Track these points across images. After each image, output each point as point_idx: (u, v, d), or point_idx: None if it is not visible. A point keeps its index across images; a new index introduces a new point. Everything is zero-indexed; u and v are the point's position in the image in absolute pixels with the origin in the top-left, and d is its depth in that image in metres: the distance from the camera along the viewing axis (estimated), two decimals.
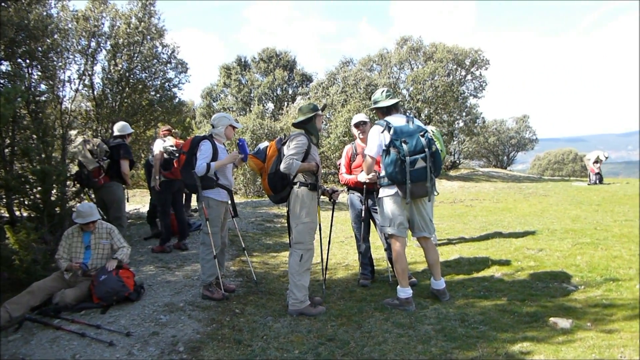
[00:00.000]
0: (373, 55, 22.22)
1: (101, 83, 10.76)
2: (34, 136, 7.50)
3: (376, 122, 4.68)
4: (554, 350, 3.47)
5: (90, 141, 6.83)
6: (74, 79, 10.04)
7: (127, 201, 7.35)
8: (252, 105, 24.53)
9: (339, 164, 5.85)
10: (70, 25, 9.87)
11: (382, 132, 4.51)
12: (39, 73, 8.80)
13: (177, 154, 6.81)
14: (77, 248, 5.14)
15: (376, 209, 5.41)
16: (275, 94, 28.72)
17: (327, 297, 5.15)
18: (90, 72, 10.58)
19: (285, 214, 5.04)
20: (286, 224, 5.07)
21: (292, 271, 4.62)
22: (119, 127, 6.95)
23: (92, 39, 10.25)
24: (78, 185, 7.03)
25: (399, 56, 21.07)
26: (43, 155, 7.09)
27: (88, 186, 6.83)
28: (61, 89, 9.98)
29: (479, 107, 22.82)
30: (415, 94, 20.12)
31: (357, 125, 5.55)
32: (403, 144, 4.35)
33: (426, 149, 4.36)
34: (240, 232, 8.35)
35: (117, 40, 10.51)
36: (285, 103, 27.92)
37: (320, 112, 4.79)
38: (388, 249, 5.42)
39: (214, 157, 4.98)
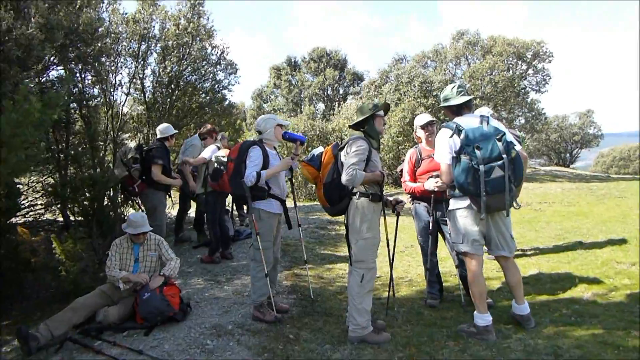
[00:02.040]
0: (427, 51, 21.39)
1: (151, 86, 10.65)
2: (86, 141, 7.39)
3: (444, 125, 4.08)
4: None
5: (124, 148, 6.59)
6: (125, 82, 9.98)
7: (169, 208, 7.03)
8: (302, 106, 24.24)
9: (401, 171, 5.26)
10: (120, 29, 9.77)
11: (451, 136, 3.91)
12: (91, 77, 8.73)
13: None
14: (127, 260, 4.84)
15: (445, 220, 4.80)
16: (326, 94, 28.33)
17: (390, 320, 4.58)
18: (141, 76, 10.49)
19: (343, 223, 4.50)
20: (342, 232, 4.48)
21: (352, 293, 4.09)
22: (162, 129, 6.61)
23: (143, 42, 10.12)
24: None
25: (455, 51, 20.13)
26: (94, 161, 6.94)
27: (129, 195, 6.59)
28: (113, 92, 9.95)
29: (540, 102, 21.49)
30: (472, 91, 19.12)
31: (424, 127, 4.94)
32: (476, 150, 3.73)
33: (504, 155, 3.72)
34: (292, 240, 7.95)
35: (167, 43, 10.35)
36: (336, 103, 27.47)
37: (380, 112, 4.23)
38: (460, 265, 4.80)
39: (265, 164, 4.52)
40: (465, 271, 4.79)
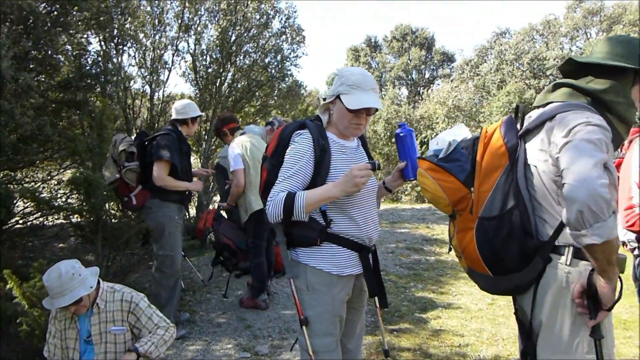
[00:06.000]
0: (535, 23, 17.93)
1: (200, 61, 8.67)
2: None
3: None
4: None
5: (115, 137, 4.27)
6: (169, 58, 8.18)
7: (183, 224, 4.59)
8: (384, 91, 21.59)
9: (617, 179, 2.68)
10: None
11: None
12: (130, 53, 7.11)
13: None
14: (70, 342, 2.64)
15: None
16: (409, 77, 25.39)
17: None
18: (192, 51, 8.55)
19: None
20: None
21: None
22: (178, 108, 4.09)
23: (189, 4, 8.14)
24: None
25: (572, 22, 16.58)
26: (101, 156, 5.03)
27: (126, 209, 4.42)
28: (156, 68, 8.20)
29: None
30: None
31: None
32: None
33: None
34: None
35: (218, 5, 8.29)
36: (421, 88, 24.54)
37: None
38: None
39: (318, 173, 2.05)
40: None
